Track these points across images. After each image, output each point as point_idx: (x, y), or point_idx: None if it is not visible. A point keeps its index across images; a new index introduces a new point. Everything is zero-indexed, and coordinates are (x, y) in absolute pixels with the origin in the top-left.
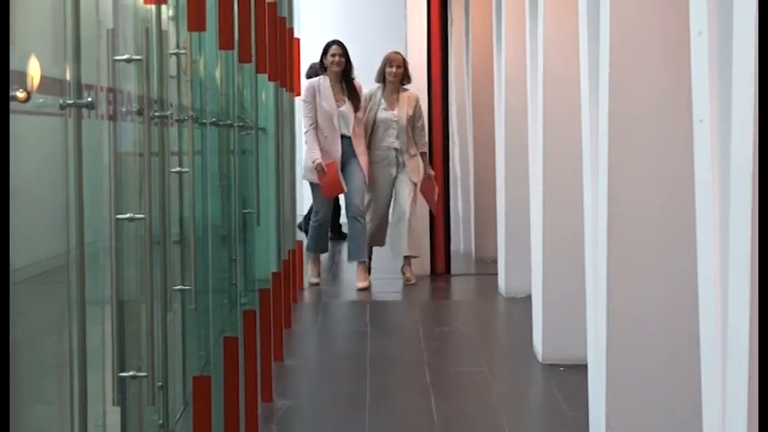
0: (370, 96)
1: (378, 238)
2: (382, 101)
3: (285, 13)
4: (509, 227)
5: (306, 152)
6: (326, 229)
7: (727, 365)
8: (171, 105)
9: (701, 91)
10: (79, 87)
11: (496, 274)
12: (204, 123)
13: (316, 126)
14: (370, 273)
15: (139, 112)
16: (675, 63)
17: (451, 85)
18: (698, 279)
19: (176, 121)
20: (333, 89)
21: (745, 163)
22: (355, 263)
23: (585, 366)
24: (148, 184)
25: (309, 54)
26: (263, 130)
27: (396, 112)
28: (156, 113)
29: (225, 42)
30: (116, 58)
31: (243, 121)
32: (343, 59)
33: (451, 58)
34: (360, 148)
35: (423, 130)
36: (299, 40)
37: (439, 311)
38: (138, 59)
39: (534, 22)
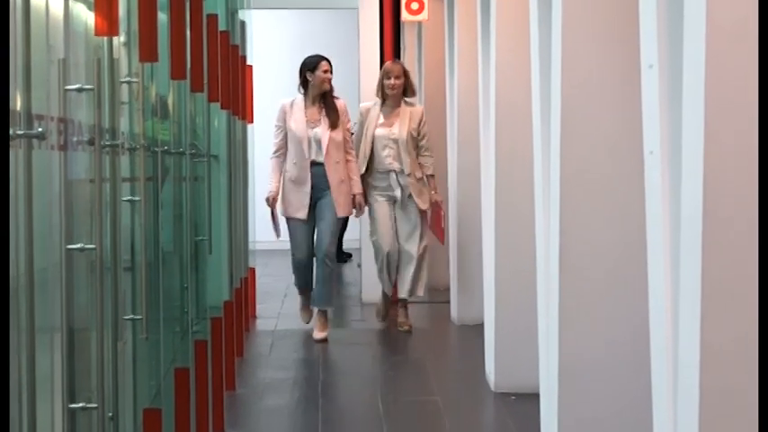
0: (367, 111)
1: (393, 279)
2: (380, 116)
3: (238, 41)
4: (461, 255)
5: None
6: (308, 270)
7: (678, 396)
8: (123, 134)
9: (651, 123)
10: (30, 118)
11: (449, 301)
12: (156, 151)
13: (283, 152)
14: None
15: (91, 142)
16: (626, 96)
17: None
18: (649, 309)
19: (128, 149)
20: (309, 109)
21: (695, 194)
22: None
23: (538, 395)
24: (99, 213)
25: (262, 81)
26: (216, 157)
27: (394, 128)
28: (108, 142)
29: (177, 72)
30: (67, 87)
31: (195, 148)
32: (330, 77)
33: None
34: (338, 175)
35: (428, 149)
36: (251, 67)
37: (392, 339)
38: (89, 89)
39: (487, 52)
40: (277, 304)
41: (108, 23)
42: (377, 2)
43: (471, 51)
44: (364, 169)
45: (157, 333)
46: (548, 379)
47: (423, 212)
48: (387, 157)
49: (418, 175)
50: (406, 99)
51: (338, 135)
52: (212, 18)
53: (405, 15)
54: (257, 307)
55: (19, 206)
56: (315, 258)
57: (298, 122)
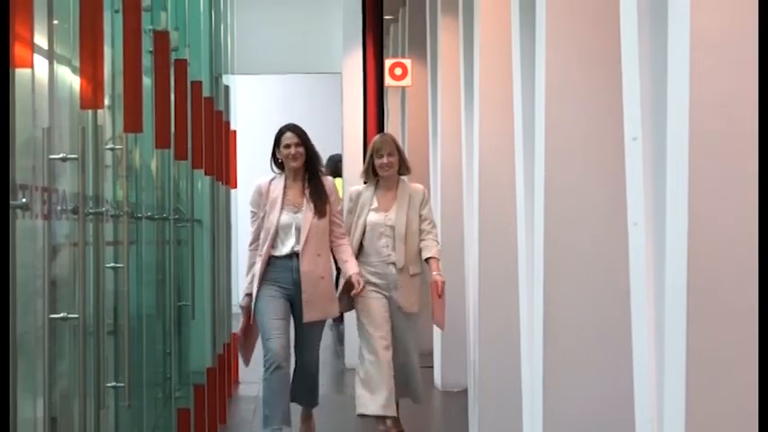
0: (358, 195)
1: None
2: (373, 200)
3: (222, 107)
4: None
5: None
6: (286, 380)
7: None
8: (106, 201)
9: (635, 194)
10: (14, 188)
11: (432, 366)
12: (140, 217)
13: (256, 243)
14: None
15: (74, 211)
16: (609, 165)
17: None
18: (634, 376)
19: (111, 216)
20: (290, 190)
21: (679, 266)
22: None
23: None
24: (83, 281)
25: (246, 145)
26: (199, 221)
27: (391, 214)
28: (92, 210)
29: (161, 142)
30: (51, 156)
31: (179, 212)
32: (301, 150)
33: None
34: (317, 270)
35: (432, 231)
36: (235, 132)
37: None
38: (73, 158)
39: (470, 118)
40: (260, 368)
41: (93, 96)
42: (360, 67)
43: (455, 117)
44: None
45: (140, 400)
46: None
47: (413, 315)
48: (384, 248)
49: (413, 270)
50: (403, 177)
51: (323, 222)
52: (197, 85)
53: (388, 81)
54: (240, 372)
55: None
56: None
57: (274, 206)
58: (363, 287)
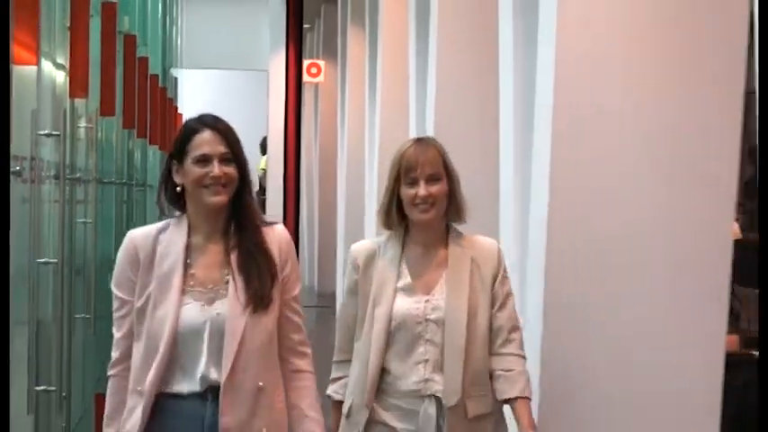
0: (369, 259)
1: None
2: (402, 268)
3: (172, 94)
4: (346, 267)
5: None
6: None
7: None
8: (79, 169)
9: (506, 168)
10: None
11: (333, 305)
12: (105, 182)
13: (128, 363)
14: None
15: (56, 177)
16: (485, 146)
17: (302, 157)
18: None
19: (83, 181)
20: (200, 254)
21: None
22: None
23: None
24: (61, 233)
25: None
26: (151, 186)
27: (436, 296)
28: (69, 176)
29: (128, 123)
30: (38, 132)
31: (134, 179)
32: (231, 170)
33: (303, 134)
34: (256, 420)
35: (515, 333)
36: (181, 115)
37: None
38: (56, 134)
39: (372, 109)
40: None
41: (79, 88)
42: (283, 66)
43: (359, 110)
44: (371, 395)
45: (103, 330)
46: None
47: None
48: (417, 366)
49: (475, 409)
50: (454, 225)
51: (268, 320)
52: (154, 78)
53: (305, 77)
54: None
55: None
56: None
57: (166, 289)
58: None
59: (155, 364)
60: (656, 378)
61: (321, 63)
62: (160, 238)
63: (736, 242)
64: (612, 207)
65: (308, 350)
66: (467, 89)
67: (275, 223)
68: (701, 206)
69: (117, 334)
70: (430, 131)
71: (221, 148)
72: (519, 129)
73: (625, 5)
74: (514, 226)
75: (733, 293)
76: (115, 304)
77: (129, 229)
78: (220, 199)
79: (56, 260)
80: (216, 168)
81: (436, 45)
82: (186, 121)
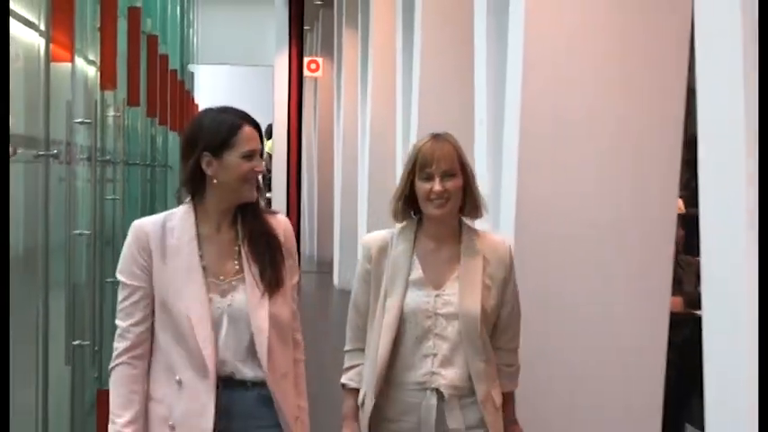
0: (381, 251)
1: None
2: (414, 262)
3: (189, 87)
4: (342, 237)
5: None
6: None
7: None
8: (109, 152)
9: (480, 151)
10: (48, 143)
11: (331, 272)
12: (131, 164)
13: (143, 353)
14: None
15: (88, 159)
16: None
17: (303, 142)
18: None
19: (112, 162)
20: (208, 244)
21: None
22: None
23: None
24: (93, 208)
25: None
26: (171, 167)
27: (447, 291)
28: (99, 158)
29: (151, 112)
30: (73, 120)
31: (157, 161)
32: (263, 165)
33: (304, 122)
34: (290, 402)
35: (512, 328)
36: (197, 105)
37: None
38: (88, 122)
39: (364, 104)
40: None
41: (110, 81)
42: (287, 62)
43: (353, 102)
44: (376, 390)
45: None
46: None
47: None
48: (425, 359)
49: (498, 400)
50: (466, 221)
51: (284, 308)
52: (173, 72)
53: (306, 72)
54: None
55: (38, 206)
56: None
57: (184, 283)
58: None
59: (177, 348)
60: (609, 335)
61: (320, 60)
62: (167, 227)
63: (680, 216)
64: (573, 187)
65: (301, 337)
66: (448, 84)
67: (277, 213)
68: (649, 187)
69: (124, 323)
70: (414, 122)
71: (260, 145)
72: (492, 123)
73: (590, 13)
74: (488, 173)
75: (677, 261)
76: (123, 293)
77: (153, 204)
78: (255, 195)
79: (89, 232)
80: (260, 164)
81: (420, 45)
82: (217, 114)
